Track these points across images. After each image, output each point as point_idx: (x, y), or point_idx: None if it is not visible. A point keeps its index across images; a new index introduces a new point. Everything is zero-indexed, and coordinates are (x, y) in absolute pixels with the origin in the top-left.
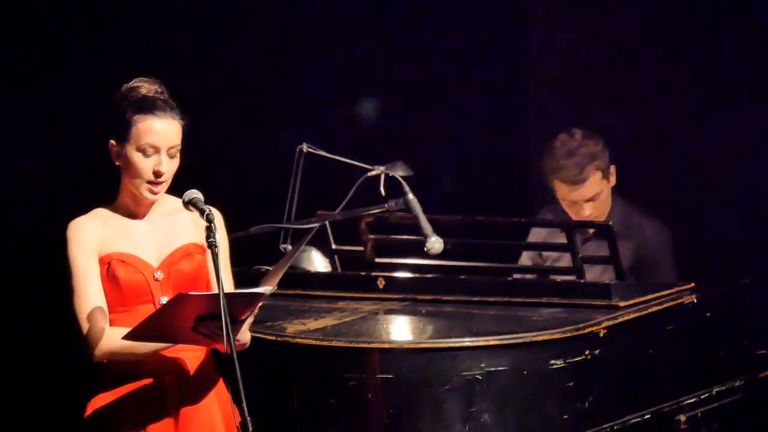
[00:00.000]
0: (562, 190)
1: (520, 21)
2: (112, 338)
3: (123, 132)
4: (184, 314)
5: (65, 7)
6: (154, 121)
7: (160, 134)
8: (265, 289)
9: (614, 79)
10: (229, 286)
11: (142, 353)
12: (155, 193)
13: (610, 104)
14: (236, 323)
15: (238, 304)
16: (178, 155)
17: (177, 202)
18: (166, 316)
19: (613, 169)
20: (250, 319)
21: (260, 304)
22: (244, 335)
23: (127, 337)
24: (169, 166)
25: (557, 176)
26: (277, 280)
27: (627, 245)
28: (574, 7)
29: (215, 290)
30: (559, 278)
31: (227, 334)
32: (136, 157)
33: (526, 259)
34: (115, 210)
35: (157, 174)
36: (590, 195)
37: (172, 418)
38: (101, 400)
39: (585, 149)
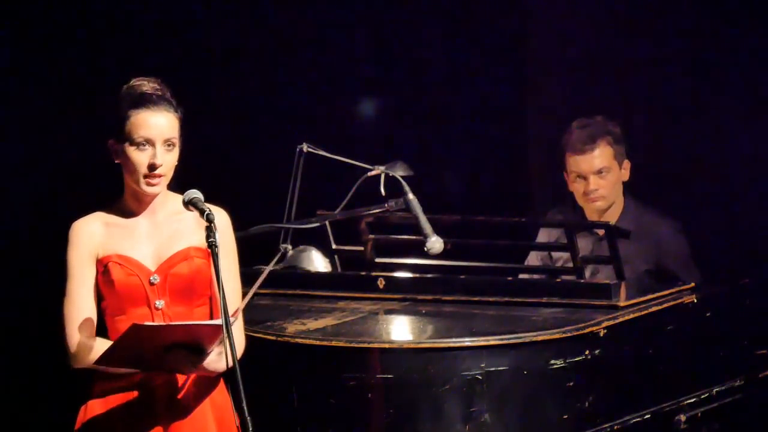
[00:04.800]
0: (571, 162)
1: (521, 20)
2: (93, 352)
3: (119, 128)
4: (145, 345)
5: (69, 7)
6: (147, 115)
7: (154, 127)
8: (217, 322)
9: (616, 77)
10: (235, 286)
11: (121, 371)
12: (153, 186)
13: (612, 103)
14: (203, 353)
15: (199, 335)
16: (176, 149)
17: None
18: (129, 346)
19: (627, 164)
20: (219, 349)
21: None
22: (214, 365)
23: (98, 361)
24: (166, 159)
25: (569, 148)
26: (240, 309)
27: (643, 246)
28: (576, 7)
29: (216, 292)
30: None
31: (229, 336)
32: (132, 152)
33: (534, 259)
34: (118, 210)
35: (152, 167)
36: (598, 166)
37: (162, 425)
38: (92, 406)
39: (601, 125)
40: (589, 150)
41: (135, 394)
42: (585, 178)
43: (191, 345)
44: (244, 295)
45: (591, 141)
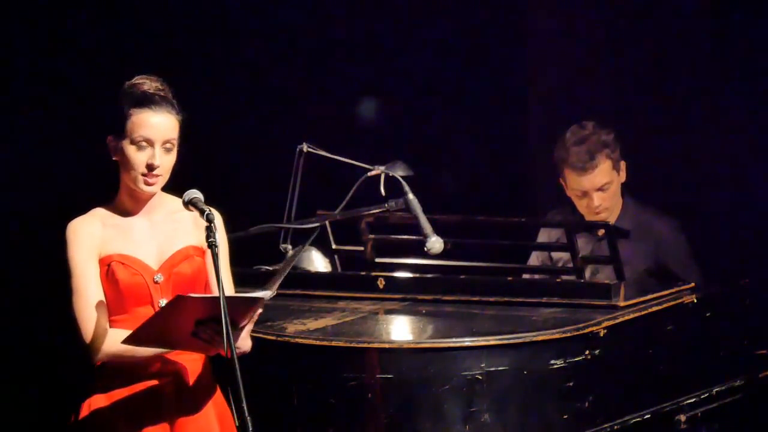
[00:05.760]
0: (572, 179)
1: (522, 19)
2: (113, 340)
3: (119, 126)
4: (183, 317)
5: (66, 4)
6: (148, 115)
7: (155, 127)
8: (265, 293)
9: (617, 77)
10: (228, 287)
11: (143, 356)
12: (151, 185)
13: (612, 102)
14: (236, 328)
15: (237, 309)
16: (174, 150)
17: (179, 202)
18: (166, 319)
19: (623, 165)
20: (250, 326)
21: (260, 310)
22: (245, 342)
23: (126, 341)
24: (165, 160)
25: (568, 165)
26: (277, 284)
27: (642, 246)
28: (577, 8)
29: (215, 291)
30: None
31: (227, 334)
32: (131, 150)
33: (534, 260)
34: (114, 209)
35: (151, 167)
36: (600, 183)
37: (167, 421)
38: (97, 400)
39: (596, 137)
40: (591, 168)
41: (140, 391)
42: (588, 194)
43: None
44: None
45: (591, 158)
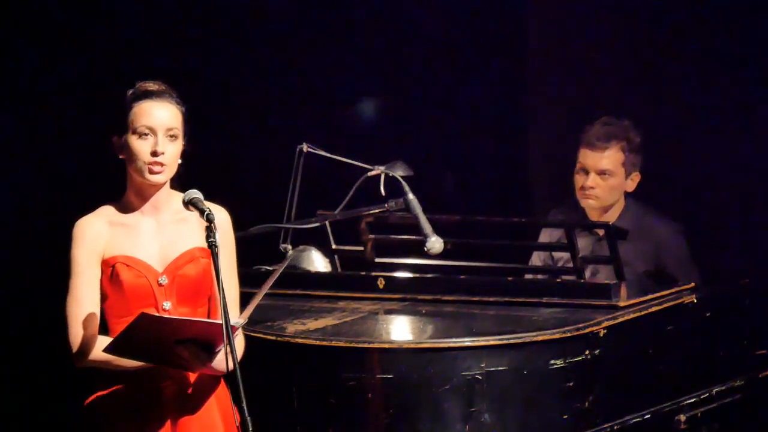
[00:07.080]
0: (582, 153)
1: (522, 19)
2: (98, 350)
3: (123, 122)
4: (156, 335)
5: (67, 7)
6: (150, 105)
7: (156, 116)
8: (236, 321)
9: (617, 79)
10: (233, 287)
11: (127, 368)
12: (157, 173)
13: (612, 103)
14: (211, 352)
15: (210, 333)
16: (179, 141)
17: None
18: (138, 336)
19: (636, 176)
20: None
21: (236, 333)
22: (221, 364)
23: (107, 350)
24: (169, 149)
25: (585, 139)
26: (250, 311)
27: (642, 247)
28: (578, 7)
29: (216, 293)
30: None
31: (228, 337)
32: (134, 141)
33: (536, 260)
34: (122, 208)
35: (155, 154)
36: (602, 167)
37: (169, 420)
38: (98, 400)
39: (622, 129)
40: (600, 148)
41: (142, 390)
42: (587, 172)
43: (202, 342)
44: (246, 296)
45: (605, 140)
